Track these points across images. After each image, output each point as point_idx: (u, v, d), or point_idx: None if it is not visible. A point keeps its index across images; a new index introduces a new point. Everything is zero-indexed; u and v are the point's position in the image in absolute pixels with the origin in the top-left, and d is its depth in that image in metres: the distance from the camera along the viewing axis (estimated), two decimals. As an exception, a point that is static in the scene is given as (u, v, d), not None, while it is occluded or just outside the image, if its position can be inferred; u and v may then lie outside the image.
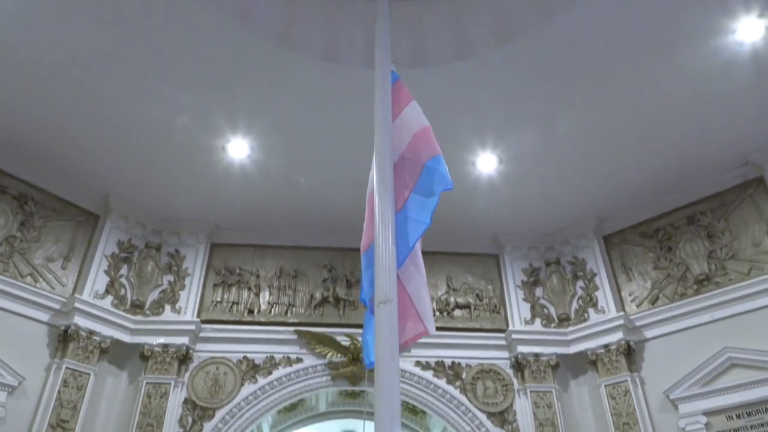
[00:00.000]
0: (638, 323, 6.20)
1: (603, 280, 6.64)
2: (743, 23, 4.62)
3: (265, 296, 6.73)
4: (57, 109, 5.39)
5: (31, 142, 5.75)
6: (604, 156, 5.94)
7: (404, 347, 2.61)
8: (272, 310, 6.66)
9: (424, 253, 2.96)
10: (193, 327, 6.24)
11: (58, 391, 5.39)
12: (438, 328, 6.47)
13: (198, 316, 6.42)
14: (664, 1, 4.49)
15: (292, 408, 6.59)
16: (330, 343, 6.39)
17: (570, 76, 5.10)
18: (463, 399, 6.25)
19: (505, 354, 6.53)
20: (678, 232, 6.38)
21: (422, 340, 6.53)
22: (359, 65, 4.90)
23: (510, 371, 6.45)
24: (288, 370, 6.28)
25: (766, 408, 5.18)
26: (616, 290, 6.56)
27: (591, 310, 6.56)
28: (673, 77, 5.06)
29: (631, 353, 6.08)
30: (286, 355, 6.35)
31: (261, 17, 4.92)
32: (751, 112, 5.37)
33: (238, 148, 5.86)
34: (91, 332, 5.75)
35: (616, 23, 4.69)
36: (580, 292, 6.77)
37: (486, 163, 6.01)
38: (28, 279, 5.68)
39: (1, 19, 4.56)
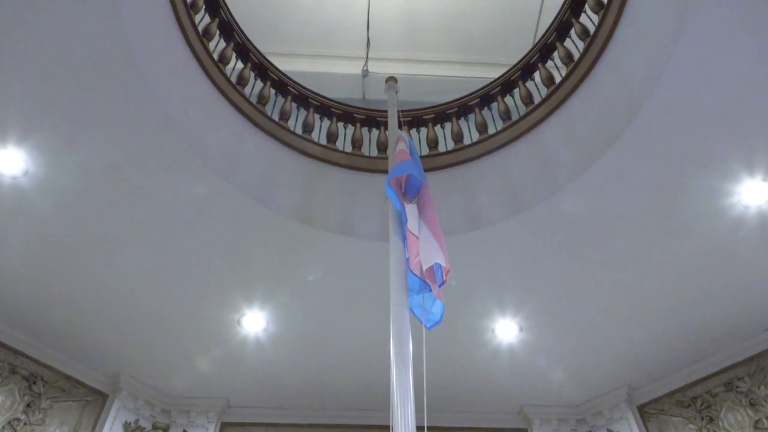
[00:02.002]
0: (690, 507, 5.57)
1: (644, 457, 6.10)
2: (747, 186, 4.67)
3: (276, 482, 6.22)
4: (71, 287, 5.40)
5: (44, 320, 5.70)
6: (627, 322, 5.76)
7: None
8: (284, 498, 6.12)
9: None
10: None
11: None
12: None
13: (203, 507, 5.90)
14: (667, 164, 4.60)
15: None
16: None
17: (584, 244, 5.14)
18: None
19: None
20: (717, 400, 5.97)
21: None
22: (374, 238, 5.02)
23: None
24: None
25: None
26: (660, 468, 6.00)
27: (634, 492, 5.94)
28: (684, 240, 5.06)
29: None
30: None
31: (279, 197, 5.15)
32: (768, 273, 5.28)
33: (254, 322, 5.79)
34: None
35: (623, 189, 4.80)
36: (619, 471, 6.20)
37: (506, 330, 5.85)
38: (26, 467, 5.35)
39: (30, 196, 4.70)
